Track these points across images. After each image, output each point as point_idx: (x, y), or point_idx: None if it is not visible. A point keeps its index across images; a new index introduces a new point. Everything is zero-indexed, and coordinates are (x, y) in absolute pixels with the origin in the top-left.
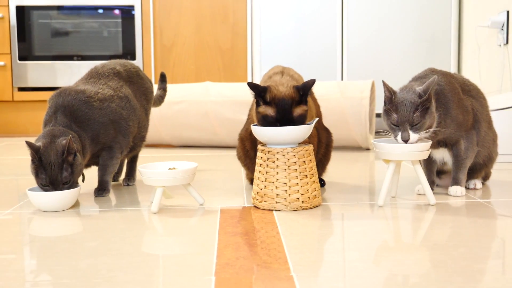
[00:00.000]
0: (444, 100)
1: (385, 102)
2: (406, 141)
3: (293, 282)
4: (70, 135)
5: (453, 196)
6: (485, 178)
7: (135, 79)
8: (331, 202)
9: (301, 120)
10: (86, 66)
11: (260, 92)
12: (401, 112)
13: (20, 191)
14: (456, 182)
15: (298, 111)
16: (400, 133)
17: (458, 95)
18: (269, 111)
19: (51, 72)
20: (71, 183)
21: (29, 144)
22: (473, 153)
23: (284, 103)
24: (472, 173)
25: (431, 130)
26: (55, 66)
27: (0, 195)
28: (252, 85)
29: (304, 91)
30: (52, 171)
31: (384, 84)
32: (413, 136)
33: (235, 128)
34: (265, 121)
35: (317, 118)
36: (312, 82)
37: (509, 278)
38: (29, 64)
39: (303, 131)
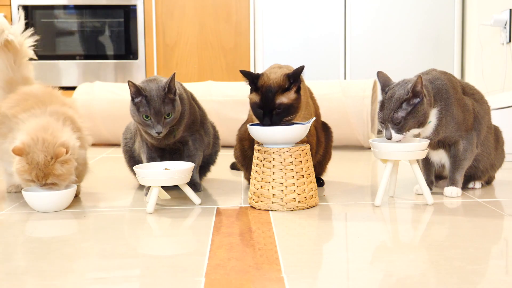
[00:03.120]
0: (445, 95)
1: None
2: (389, 139)
3: (283, 283)
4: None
5: (448, 197)
6: (488, 182)
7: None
8: (329, 202)
9: (284, 108)
10: (89, 66)
11: (253, 79)
12: (385, 110)
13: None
14: (452, 182)
15: (282, 99)
16: (384, 131)
17: (460, 93)
18: (256, 97)
19: (55, 72)
20: (173, 118)
21: (130, 83)
22: (472, 155)
23: (268, 90)
24: (472, 179)
25: (422, 129)
26: (59, 65)
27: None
28: (245, 73)
29: (294, 77)
30: (155, 103)
31: (379, 76)
32: (395, 135)
33: (237, 128)
34: (253, 108)
35: (314, 118)
36: (301, 68)
37: (504, 279)
38: (33, 64)
39: (299, 131)
